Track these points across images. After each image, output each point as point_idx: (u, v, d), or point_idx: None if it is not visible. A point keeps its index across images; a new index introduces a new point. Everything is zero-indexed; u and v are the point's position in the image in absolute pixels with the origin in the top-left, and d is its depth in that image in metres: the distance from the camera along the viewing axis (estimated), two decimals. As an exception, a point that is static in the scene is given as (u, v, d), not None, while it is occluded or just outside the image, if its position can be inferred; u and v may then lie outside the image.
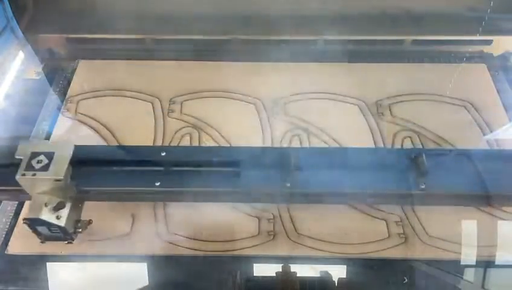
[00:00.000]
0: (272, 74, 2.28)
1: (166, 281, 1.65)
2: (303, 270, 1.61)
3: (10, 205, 1.80)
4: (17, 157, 1.42)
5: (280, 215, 1.78)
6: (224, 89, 2.20)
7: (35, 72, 2.26)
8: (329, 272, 1.56)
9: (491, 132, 2.04)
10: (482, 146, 1.99)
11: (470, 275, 1.66)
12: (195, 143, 2.00)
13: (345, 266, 1.65)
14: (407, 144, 2.00)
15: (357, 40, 2.33)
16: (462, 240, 1.69)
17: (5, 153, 1.52)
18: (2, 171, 1.47)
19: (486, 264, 1.66)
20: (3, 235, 1.71)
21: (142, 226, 1.74)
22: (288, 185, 1.46)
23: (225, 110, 2.13)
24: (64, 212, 1.42)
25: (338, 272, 1.62)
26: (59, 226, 1.42)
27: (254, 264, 1.66)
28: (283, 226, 1.75)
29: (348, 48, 2.35)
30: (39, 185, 1.40)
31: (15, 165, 1.40)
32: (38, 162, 1.41)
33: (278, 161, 1.51)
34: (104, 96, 2.19)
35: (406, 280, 1.65)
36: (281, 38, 2.33)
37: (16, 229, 1.72)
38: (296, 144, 2.01)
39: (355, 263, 1.66)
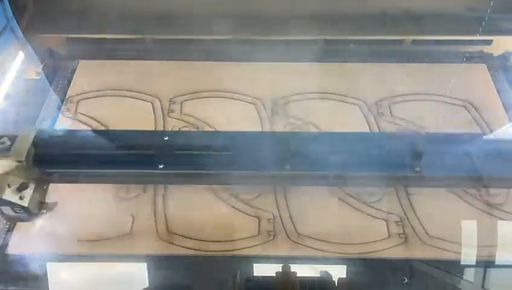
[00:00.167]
0: (272, 73, 2.27)
1: (166, 281, 1.65)
2: (303, 270, 1.61)
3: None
4: None
5: (280, 215, 1.77)
6: (224, 89, 2.20)
7: (35, 72, 2.25)
8: (329, 272, 1.56)
9: (491, 131, 2.04)
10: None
11: (470, 275, 1.66)
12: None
13: (345, 266, 1.65)
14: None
15: (357, 40, 2.33)
16: (462, 240, 1.69)
17: None
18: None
19: (486, 264, 1.66)
20: (3, 235, 1.71)
21: (142, 226, 1.74)
22: (288, 167, 1.54)
23: (225, 110, 2.13)
24: (28, 193, 1.47)
25: (338, 272, 1.62)
26: (22, 207, 1.46)
27: (254, 264, 1.66)
28: (283, 226, 1.75)
29: (348, 48, 2.34)
30: (1, 166, 1.45)
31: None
32: (1, 144, 1.47)
33: (277, 145, 1.58)
34: (104, 96, 2.19)
35: (406, 280, 1.65)
36: (280, 39, 2.33)
37: (15, 229, 1.72)
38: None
39: (355, 263, 1.66)
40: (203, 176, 1.72)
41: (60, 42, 2.33)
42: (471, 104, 2.14)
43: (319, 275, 1.56)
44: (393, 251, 1.68)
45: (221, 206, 1.80)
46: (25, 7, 2.29)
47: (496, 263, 1.65)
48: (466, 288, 1.66)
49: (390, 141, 1.74)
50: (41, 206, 1.55)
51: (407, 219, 1.77)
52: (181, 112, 2.11)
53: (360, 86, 2.21)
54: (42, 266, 1.63)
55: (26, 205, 1.47)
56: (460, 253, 1.67)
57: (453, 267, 1.67)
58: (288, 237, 1.72)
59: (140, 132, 1.89)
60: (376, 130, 2.05)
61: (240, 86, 2.21)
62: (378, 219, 1.77)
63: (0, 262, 1.65)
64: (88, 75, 2.28)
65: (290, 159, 1.57)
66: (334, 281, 1.52)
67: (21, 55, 2.27)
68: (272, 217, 1.77)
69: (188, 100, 2.17)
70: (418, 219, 1.77)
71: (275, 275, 1.52)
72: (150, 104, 2.15)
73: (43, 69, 2.27)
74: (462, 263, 1.66)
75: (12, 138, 1.49)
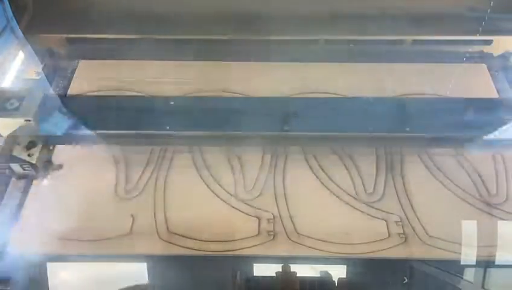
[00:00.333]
0: (272, 73, 2.27)
1: (166, 281, 1.65)
2: (303, 270, 1.61)
3: (10, 206, 1.80)
4: None
5: (280, 215, 1.78)
6: (225, 89, 2.20)
7: (35, 72, 2.25)
8: (329, 272, 1.56)
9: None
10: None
11: (470, 275, 1.66)
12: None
13: (345, 266, 1.65)
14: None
15: (357, 40, 2.33)
16: (462, 240, 1.69)
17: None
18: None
19: (486, 264, 1.66)
20: (3, 235, 1.71)
21: (142, 226, 1.74)
22: (287, 128, 1.72)
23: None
24: (36, 151, 1.59)
25: (338, 272, 1.62)
26: (31, 163, 1.57)
27: (254, 264, 1.66)
28: (283, 226, 1.75)
29: (348, 48, 2.34)
30: (11, 125, 1.57)
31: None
32: (10, 104, 1.59)
33: (277, 108, 1.76)
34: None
35: (406, 280, 1.65)
36: (280, 39, 2.32)
37: (15, 229, 1.72)
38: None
39: (355, 263, 1.66)
40: (206, 137, 1.85)
41: (60, 42, 2.33)
42: (471, 104, 2.14)
43: (319, 275, 1.56)
44: (393, 251, 1.68)
45: (221, 206, 1.80)
46: (25, 7, 2.29)
47: (496, 263, 1.65)
48: (466, 288, 1.66)
49: (382, 103, 1.90)
50: (47, 165, 1.66)
51: (407, 219, 1.77)
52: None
53: (360, 86, 2.21)
54: (42, 266, 1.63)
55: (34, 162, 1.58)
56: (460, 253, 1.67)
57: (453, 267, 1.67)
58: (288, 237, 1.72)
59: (148, 97, 2.01)
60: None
61: (240, 86, 2.21)
62: (378, 219, 1.77)
63: (0, 262, 1.65)
64: (88, 75, 2.27)
65: (289, 121, 1.75)
66: (334, 281, 1.52)
67: (21, 55, 2.27)
68: (272, 217, 1.77)
69: (188, 100, 2.17)
70: (418, 219, 1.77)
71: (275, 275, 1.52)
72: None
73: (43, 69, 2.27)
74: (462, 263, 1.66)
75: (21, 99, 1.60)
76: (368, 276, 1.67)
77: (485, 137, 1.91)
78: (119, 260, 1.68)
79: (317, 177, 1.90)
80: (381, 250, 1.68)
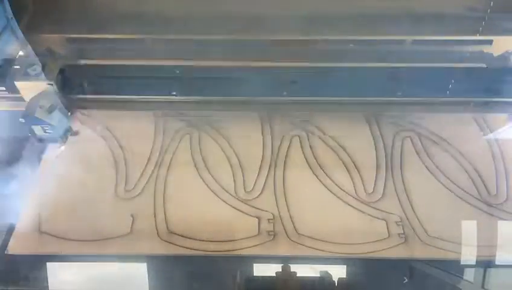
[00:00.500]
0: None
1: (166, 281, 1.65)
2: (303, 270, 1.61)
3: (10, 206, 1.80)
4: (15, 67, 1.81)
5: (280, 216, 1.78)
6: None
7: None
8: (329, 272, 1.56)
9: (491, 131, 2.04)
10: (482, 146, 2.00)
11: (470, 275, 1.66)
12: (196, 143, 2.00)
13: (345, 266, 1.65)
14: (407, 144, 2.01)
15: (357, 40, 2.33)
16: (462, 240, 1.69)
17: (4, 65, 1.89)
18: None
19: (486, 264, 1.66)
20: (3, 235, 1.71)
21: (142, 226, 1.74)
22: (285, 93, 1.89)
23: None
24: (56, 113, 1.72)
25: (338, 272, 1.62)
26: (51, 125, 1.69)
27: (254, 264, 1.66)
28: (283, 226, 1.75)
29: (348, 48, 2.34)
30: (34, 88, 1.71)
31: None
32: (33, 70, 1.75)
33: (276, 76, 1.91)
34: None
35: (406, 280, 1.65)
36: (280, 39, 2.32)
37: (16, 229, 1.73)
38: (296, 143, 2.01)
39: (355, 263, 1.66)
40: (208, 102, 1.97)
41: (60, 42, 2.33)
42: (471, 104, 2.14)
43: (319, 275, 1.56)
44: (393, 251, 1.68)
45: (221, 206, 1.80)
46: (25, 7, 2.28)
47: (496, 263, 1.65)
48: (466, 288, 1.66)
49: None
50: (67, 129, 1.79)
51: (407, 219, 1.77)
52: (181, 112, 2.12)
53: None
54: (42, 266, 1.63)
55: (55, 124, 1.70)
56: (460, 253, 1.67)
57: (453, 267, 1.67)
58: (288, 237, 1.72)
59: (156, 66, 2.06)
60: (377, 131, 2.05)
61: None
62: (378, 219, 1.77)
63: (0, 262, 1.65)
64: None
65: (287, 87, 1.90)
66: (334, 281, 1.52)
67: (21, 55, 2.27)
68: (272, 217, 1.77)
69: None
70: (418, 219, 1.77)
71: (275, 275, 1.52)
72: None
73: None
74: (462, 263, 1.66)
75: (43, 66, 1.77)
76: (368, 276, 1.67)
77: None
78: (119, 260, 1.68)
79: (317, 177, 1.90)
80: (381, 250, 1.68)
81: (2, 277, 1.64)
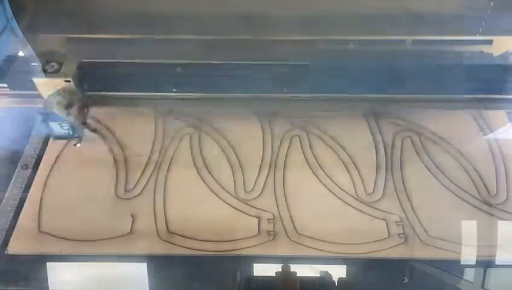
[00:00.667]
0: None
1: (166, 281, 1.65)
2: (303, 270, 1.61)
3: (10, 206, 1.80)
4: (32, 64, 1.87)
5: (280, 216, 1.78)
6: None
7: (35, 72, 2.25)
8: (329, 272, 1.56)
9: (491, 131, 2.04)
10: (482, 146, 2.00)
11: (470, 275, 1.66)
12: (196, 143, 2.00)
13: (345, 266, 1.65)
14: (408, 144, 2.01)
15: (357, 40, 2.33)
16: (462, 240, 1.69)
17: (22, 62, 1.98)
18: (19, 77, 1.88)
19: (486, 264, 1.66)
20: (3, 235, 1.71)
21: (142, 226, 1.74)
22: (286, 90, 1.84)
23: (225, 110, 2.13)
24: (73, 110, 1.71)
25: (338, 272, 1.62)
26: (69, 122, 1.69)
27: (254, 264, 1.66)
28: (283, 226, 1.75)
29: (348, 48, 2.34)
30: (51, 85, 1.70)
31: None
32: (51, 66, 1.72)
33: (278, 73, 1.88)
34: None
35: (406, 280, 1.65)
36: (280, 39, 2.32)
37: (15, 229, 1.73)
38: (296, 143, 2.01)
39: (355, 263, 1.66)
40: (210, 99, 1.92)
41: (60, 42, 2.33)
42: (471, 104, 2.14)
43: (319, 275, 1.56)
44: (393, 251, 1.68)
45: (221, 206, 1.80)
46: (25, 7, 2.28)
47: (496, 263, 1.65)
48: (466, 288, 1.66)
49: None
50: (83, 125, 1.78)
51: (407, 219, 1.77)
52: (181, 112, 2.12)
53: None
54: (42, 266, 1.63)
55: (72, 120, 1.69)
56: (460, 253, 1.67)
57: (453, 267, 1.67)
58: (288, 237, 1.72)
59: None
60: (377, 131, 2.05)
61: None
62: (378, 219, 1.77)
63: (0, 262, 1.65)
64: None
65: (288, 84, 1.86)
66: (334, 281, 1.52)
67: (21, 55, 2.27)
68: (272, 217, 1.77)
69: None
70: (418, 219, 1.77)
71: (274, 275, 1.52)
72: (150, 104, 2.16)
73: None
74: (462, 263, 1.66)
75: (60, 63, 1.74)
76: (368, 276, 1.67)
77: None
78: (119, 260, 1.68)
79: (317, 177, 1.90)
80: (381, 250, 1.68)
81: (2, 277, 1.63)
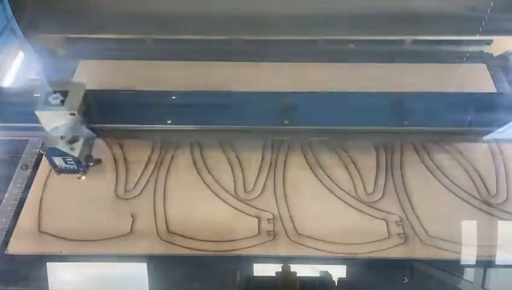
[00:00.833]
0: (272, 73, 2.27)
1: (166, 281, 1.65)
2: (303, 270, 1.61)
3: (10, 205, 1.80)
4: (35, 96, 1.64)
5: (280, 215, 1.78)
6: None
7: (35, 72, 2.25)
8: (329, 272, 1.56)
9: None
10: (482, 146, 2.00)
11: (470, 275, 1.66)
12: (196, 143, 2.00)
13: (345, 266, 1.65)
14: (408, 144, 2.01)
15: (357, 40, 2.33)
16: (462, 240, 1.69)
17: (23, 93, 1.79)
18: (21, 109, 1.70)
19: (486, 264, 1.66)
20: (3, 235, 1.71)
21: (142, 226, 1.74)
22: (286, 122, 1.75)
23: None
24: (78, 144, 1.61)
25: (338, 272, 1.62)
26: (73, 157, 1.59)
27: (254, 264, 1.66)
28: (283, 226, 1.75)
29: (348, 48, 2.34)
30: (55, 119, 1.60)
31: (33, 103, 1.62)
32: (54, 98, 1.59)
33: (276, 103, 1.79)
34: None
35: (406, 280, 1.65)
36: (280, 39, 2.32)
37: (15, 229, 1.73)
38: (296, 143, 2.01)
39: (355, 263, 1.66)
40: (207, 131, 1.84)
41: (60, 42, 2.33)
42: (471, 104, 2.13)
43: (319, 275, 1.56)
44: (393, 251, 1.68)
45: (221, 206, 1.80)
46: (25, 7, 2.29)
47: (496, 263, 1.65)
48: (466, 288, 1.66)
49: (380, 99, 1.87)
50: (88, 159, 1.68)
51: (407, 219, 1.77)
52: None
53: (359, 87, 2.20)
54: (42, 266, 1.63)
55: (76, 155, 1.59)
56: (460, 253, 1.67)
57: (453, 267, 1.67)
58: (288, 237, 1.72)
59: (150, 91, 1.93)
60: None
61: (240, 85, 2.21)
62: (378, 219, 1.77)
63: (0, 262, 1.65)
64: (88, 75, 2.27)
65: (289, 115, 1.76)
66: (334, 281, 1.52)
67: (21, 55, 2.27)
68: (272, 217, 1.77)
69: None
70: (418, 219, 1.77)
71: (275, 275, 1.52)
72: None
73: (43, 69, 2.27)
74: (462, 263, 1.66)
75: (64, 94, 1.62)
76: (368, 276, 1.67)
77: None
78: (119, 260, 1.68)
79: (317, 177, 1.90)
80: (381, 250, 1.68)
81: (2, 277, 1.64)
